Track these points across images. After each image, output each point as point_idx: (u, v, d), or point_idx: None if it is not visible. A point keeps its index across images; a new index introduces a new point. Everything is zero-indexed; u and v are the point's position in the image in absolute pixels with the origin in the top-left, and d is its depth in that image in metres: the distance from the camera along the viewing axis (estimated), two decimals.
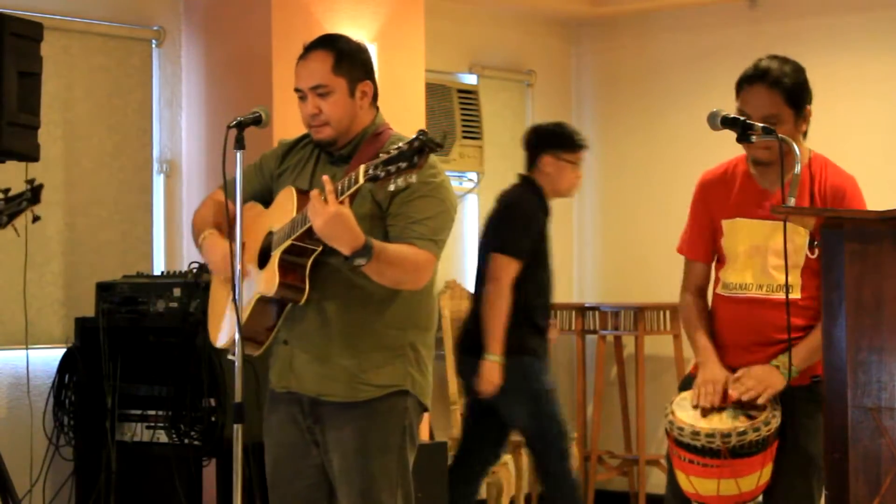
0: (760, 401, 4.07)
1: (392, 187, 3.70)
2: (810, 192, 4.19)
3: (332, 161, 4.14)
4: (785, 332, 4.13)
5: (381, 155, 3.69)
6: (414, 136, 3.66)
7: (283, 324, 4.08)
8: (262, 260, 4.05)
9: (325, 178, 3.82)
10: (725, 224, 4.27)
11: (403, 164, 3.63)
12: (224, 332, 4.19)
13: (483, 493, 7.83)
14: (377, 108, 4.19)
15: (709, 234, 4.33)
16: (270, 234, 4.04)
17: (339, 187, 3.79)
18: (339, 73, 4.07)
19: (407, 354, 4.09)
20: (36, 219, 5.10)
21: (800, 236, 4.16)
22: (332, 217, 3.76)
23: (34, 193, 5.06)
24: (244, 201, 4.20)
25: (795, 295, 4.17)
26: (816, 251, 4.14)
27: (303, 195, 3.99)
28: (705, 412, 4.10)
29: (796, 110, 4.18)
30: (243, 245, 4.13)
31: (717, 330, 4.27)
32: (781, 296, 4.15)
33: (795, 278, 4.17)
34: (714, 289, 4.34)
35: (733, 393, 4.10)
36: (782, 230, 4.11)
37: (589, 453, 8.41)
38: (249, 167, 4.30)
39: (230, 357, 4.14)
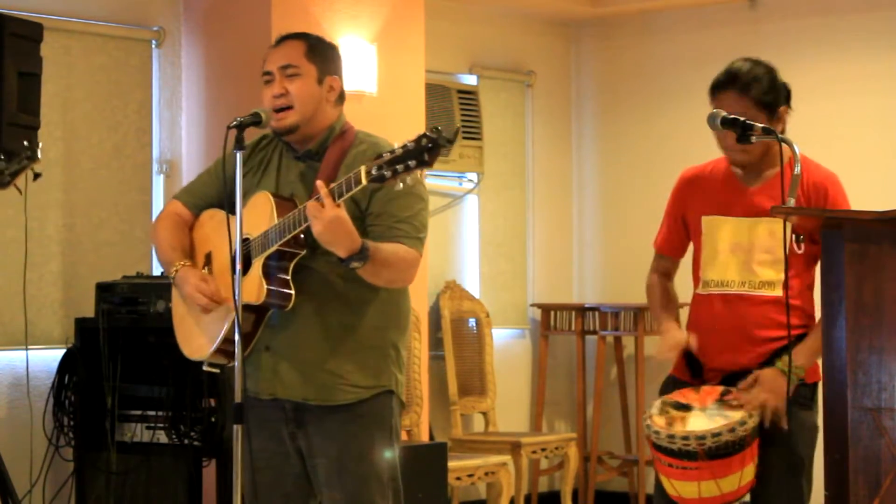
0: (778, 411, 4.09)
1: (401, 186, 3.70)
2: None
3: (297, 157, 4.11)
4: (771, 328, 4.16)
5: (382, 155, 3.68)
6: (421, 133, 3.65)
7: (265, 330, 4.04)
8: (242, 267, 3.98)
9: (320, 182, 3.80)
10: (705, 221, 4.28)
11: (413, 163, 3.63)
12: (200, 343, 4.13)
13: (483, 493, 7.84)
14: (342, 108, 4.16)
15: (681, 230, 4.39)
16: (246, 241, 3.98)
17: (336, 190, 3.77)
18: (310, 59, 4.07)
19: (390, 354, 4.09)
20: (36, 176, 5.07)
21: (781, 231, 4.18)
22: (332, 221, 3.75)
23: (32, 151, 5.03)
24: (200, 209, 4.19)
25: (779, 292, 4.18)
26: (802, 245, 4.18)
27: (281, 200, 3.97)
28: (678, 415, 4.10)
29: (768, 112, 4.19)
30: (210, 255, 4.12)
31: (699, 331, 4.25)
32: (764, 292, 4.18)
33: (779, 273, 4.18)
34: (693, 289, 4.33)
35: (748, 407, 4.08)
36: (764, 226, 4.16)
37: (589, 453, 8.42)
38: (204, 173, 4.28)
39: (205, 368, 4.14)
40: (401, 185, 3.68)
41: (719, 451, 4.00)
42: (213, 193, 4.20)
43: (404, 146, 3.66)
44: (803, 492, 4.17)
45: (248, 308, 3.95)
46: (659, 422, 4.08)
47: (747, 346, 4.18)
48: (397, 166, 3.64)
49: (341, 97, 4.14)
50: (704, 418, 4.07)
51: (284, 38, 4.15)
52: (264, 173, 4.13)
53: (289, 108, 4.04)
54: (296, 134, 4.07)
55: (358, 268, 3.84)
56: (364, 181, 3.69)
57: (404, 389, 4.17)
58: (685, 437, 4.00)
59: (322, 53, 4.11)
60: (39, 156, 5.03)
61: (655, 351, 4.26)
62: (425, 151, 3.62)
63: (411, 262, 3.97)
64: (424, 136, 3.64)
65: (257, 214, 3.97)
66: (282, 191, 4.06)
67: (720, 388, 4.14)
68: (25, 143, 5.03)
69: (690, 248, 4.43)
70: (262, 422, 4.09)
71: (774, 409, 4.07)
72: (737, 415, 4.05)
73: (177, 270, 4.13)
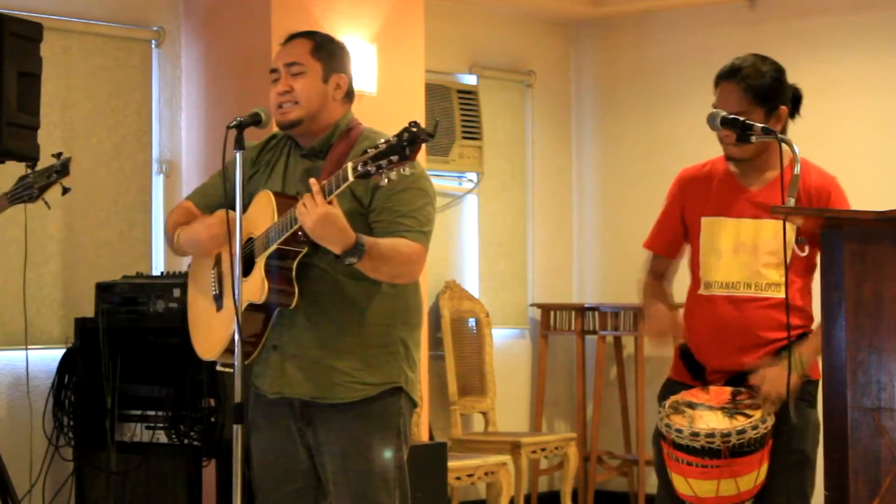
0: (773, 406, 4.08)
1: (385, 182, 3.72)
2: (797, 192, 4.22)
3: (303, 154, 4.12)
4: (777, 330, 4.14)
5: (368, 150, 3.70)
6: (403, 128, 3.67)
7: (272, 329, 4.05)
8: (247, 267, 4.00)
9: (312, 179, 3.82)
10: (705, 222, 4.27)
11: (395, 158, 3.65)
12: (211, 343, 4.14)
13: (483, 493, 7.84)
14: (350, 106, 4.17)
15: (677, 229, 4.34)
16: (251, 240, 4.00)
17: (327, 187, 3.79)
18: (316, 57, 4.09)
19: (398, 351, 4.08)
20: (66, 191, 5.08)
21: (788, 232, 4.18)
22: (322, 217, 3.77)
23: (63, 166, 5.05)
24: (211, 209, 4.20)
25: (784, 294, 4.17)
26: (806, 248, 4.17)
27: (283, 198, 3.98)
28: (696, 414, 4.10)
29: (767, 109, 4.19)
30: (219, 256, 4.13)
31: (701, 333, 4.24)
32: (772, 294, 4.18)
33: (784, 276, 4.18)
34: (692, 291, 4.31)
35: (763, 406, 4.08)
36: (768, 227, 4.16)
37: (589, 453, 8.42)
38: (216, 174, 4.29)
39: (218, 368, 4.14)
40: (386, 180, 3.71)
41: (742, 449, 4.01)
42: (222, 194, 4.20)
43: (387, 141, 3.69)
44: (807, 488, 4.17)
45: (255, 307, 3.97)
46: (680, 421, 4.08)
47: (753, 348, 4.18)
48: (381, 162, 3.66)
49: (349, 95, 4.15)
50: (724, 417, 4.08)
51: (293, 37, 4.18)
52: (271, 173, 4.16)
53: (294, 104, 4.06)
54: (301, 128, 4.09)
55: (354, 263, 3.84)
56: (351, 177, 3.72)
57: (416, 388, 4.13)
58: (710, 435, 4.01)
59: (328, 51, 4.13)
60: (70, 171, 5.04)
61: (645, 332, 4.24)
62: (406, 146, 3.65)
63: (413, 256, 3.96)
64: (406, 130, 3.66)
65: (260, 213, 3.99)
66: (288, 189, 4.07)
67: (729, 389, 4.14)
68: (55, 158, 5.03)
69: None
70: (272, 418, 4.10)
71: (778, 399, 4.06)
72: (757, 413, 4.06)
73: (179, 235, 4.19)
